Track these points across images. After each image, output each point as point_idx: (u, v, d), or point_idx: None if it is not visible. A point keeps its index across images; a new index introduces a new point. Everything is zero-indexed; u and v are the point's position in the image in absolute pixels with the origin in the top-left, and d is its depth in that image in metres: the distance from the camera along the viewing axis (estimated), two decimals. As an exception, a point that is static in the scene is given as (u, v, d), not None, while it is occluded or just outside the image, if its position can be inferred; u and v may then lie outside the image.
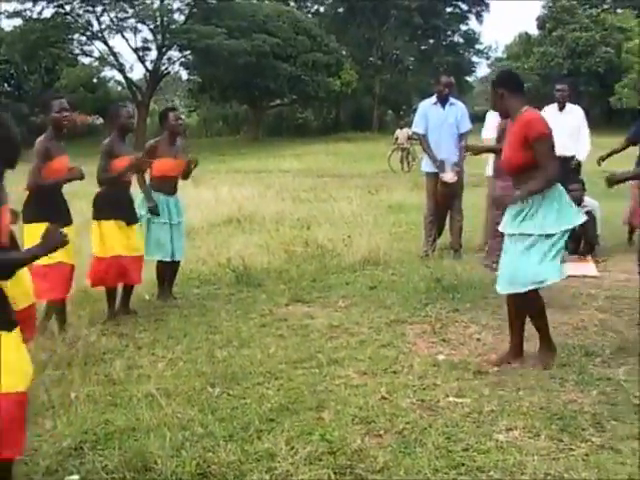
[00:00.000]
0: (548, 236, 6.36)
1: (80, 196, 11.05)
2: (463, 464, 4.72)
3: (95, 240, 8.41)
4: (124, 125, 8.51)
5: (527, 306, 6.68)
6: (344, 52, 66.79)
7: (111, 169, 8.38)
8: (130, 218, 8.56)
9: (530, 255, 6.39)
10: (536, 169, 6.41)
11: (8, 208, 4.28)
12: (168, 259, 9.30)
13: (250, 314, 8.57)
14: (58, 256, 7.60)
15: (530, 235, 6.41)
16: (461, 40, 79.02)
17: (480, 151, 9.59)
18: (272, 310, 8.74)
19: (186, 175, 9.54)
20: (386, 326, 7.97)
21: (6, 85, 61.85)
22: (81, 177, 7.82)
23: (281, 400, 5.81)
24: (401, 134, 31.96)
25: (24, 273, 4.95)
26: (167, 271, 9.46)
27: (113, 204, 8.35)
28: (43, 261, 7.44)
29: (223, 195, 18.80)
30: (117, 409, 5.75)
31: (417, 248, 11.80)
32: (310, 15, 72.61)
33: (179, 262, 9.58)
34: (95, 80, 68.33)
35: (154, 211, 9.07)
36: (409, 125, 22.95)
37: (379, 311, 8.56)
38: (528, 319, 6.78)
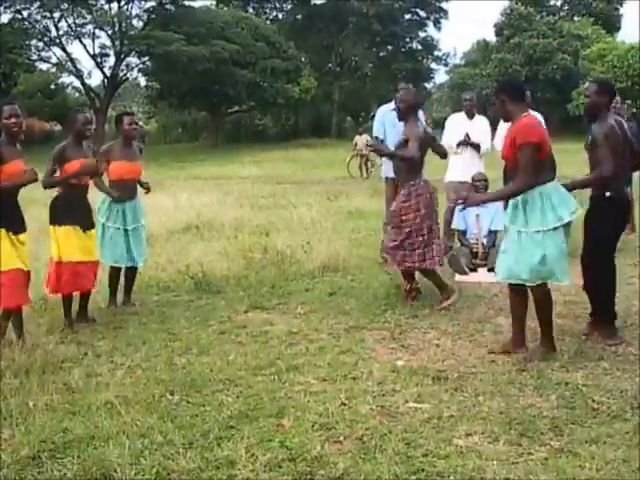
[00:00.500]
0: (554, 229, 6.68)
1: (38, 202, 10.95)
2: (423, 469, 4.73)
3: (54, 245, 8.34)
4: (80, 131, 8.45)
5: (537, 298, 6.94)
6: (303, 59, 66.99)
7: (62, 173, 8.33)
8: (87, 224, 8.49)
9: (538, 249, 6.68)
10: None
11: None
12: (122, 265, 9.30)
13: (209, 321, 8.55)
14: (14, 263, 7.53)
15: (538, 231, 6.68)
16: (419, 47, 79.50)
17: (382, 154, 9.87)
18: (231, 317, 8.72)
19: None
20: (345, 332, 7.97)
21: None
22: (35, 179, 7.75)
23: (240, 407, 5.79)
24: (360, 140, 31.97)
25: None
26: (121, 277, 9.42)
27: (70, 209, 8.28)
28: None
29: (182, 202, 18.73)
30: (76, 417, 5.70)
31: (376, 254, 11.78)
32: (269, 22, 72.71)
33: (137, 268, 9.54)
34: (53, 86, 68.06)
35: (119, 199, 9.09)
36: (368, 131, 23.00)
37: (338, 317, 8.56)
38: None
